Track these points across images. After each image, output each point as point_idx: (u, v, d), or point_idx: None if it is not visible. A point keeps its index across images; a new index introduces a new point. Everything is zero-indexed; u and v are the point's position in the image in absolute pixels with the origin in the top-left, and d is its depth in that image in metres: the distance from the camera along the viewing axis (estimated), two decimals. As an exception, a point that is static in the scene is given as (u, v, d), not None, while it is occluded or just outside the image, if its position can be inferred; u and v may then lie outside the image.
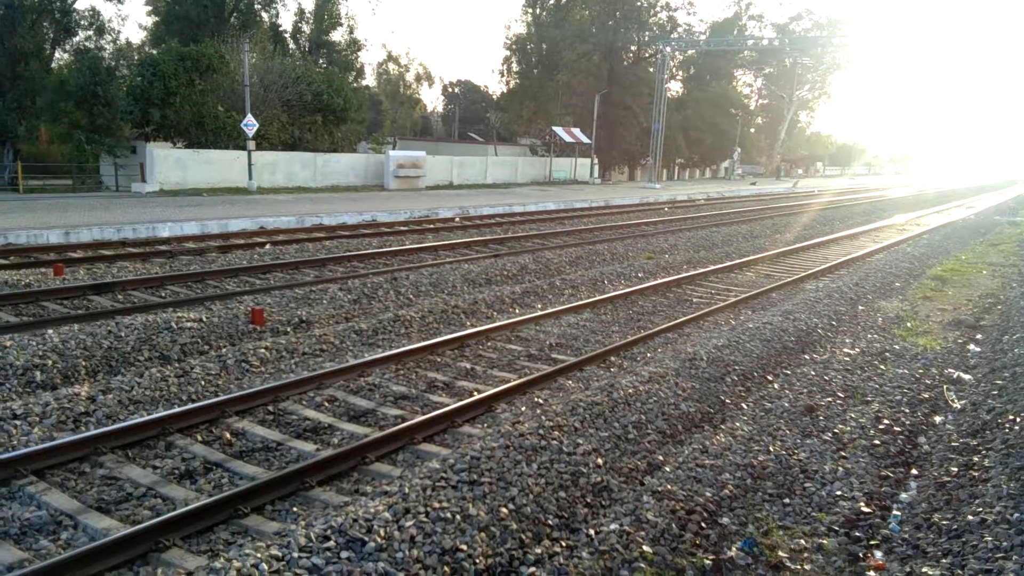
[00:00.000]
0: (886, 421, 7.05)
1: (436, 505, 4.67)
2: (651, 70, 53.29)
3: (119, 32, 55.80)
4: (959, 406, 7.63)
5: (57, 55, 39.57)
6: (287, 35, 46.40)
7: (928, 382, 8.40)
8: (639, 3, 55.24)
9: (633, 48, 57.86)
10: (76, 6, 39.07)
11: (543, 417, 6.15)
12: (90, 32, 39.09)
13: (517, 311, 11.10)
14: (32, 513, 4.85)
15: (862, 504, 5.46)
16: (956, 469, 5.89)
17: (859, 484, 5.76)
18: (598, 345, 9.43)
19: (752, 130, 77.67)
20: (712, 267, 15.44)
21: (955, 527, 4.90)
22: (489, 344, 9.24)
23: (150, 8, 46.42)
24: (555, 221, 23.98)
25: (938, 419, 7.38)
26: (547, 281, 13.13)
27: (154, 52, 34.22)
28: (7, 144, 35.04)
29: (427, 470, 5.13)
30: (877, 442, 6.56)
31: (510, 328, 9.85)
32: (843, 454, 6.30)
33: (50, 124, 35.03)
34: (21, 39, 33.57)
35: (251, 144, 27.63)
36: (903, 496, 5.70)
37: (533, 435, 5.77)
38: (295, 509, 5.10)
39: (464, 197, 30.54)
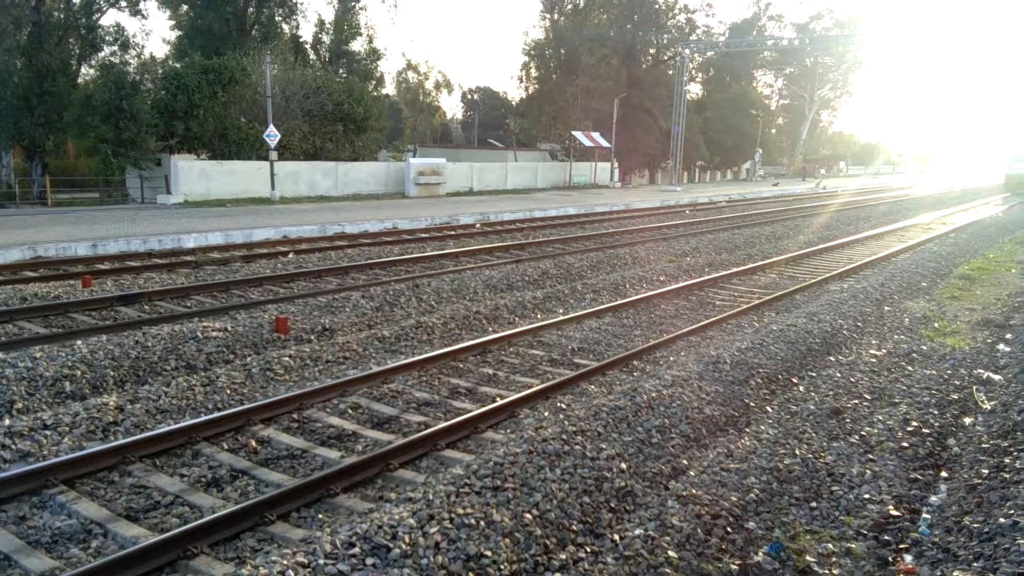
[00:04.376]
0: (914, 423, 6.96)
1: (460, 511, 4.68)
2: (670, 72, 53.09)
3: (143, 47, 56.75)
4: (989, 407, 7.51)
5: (83, 70, 40.18)
6: (307, 46, 46.84)
7: (957, 383, 8.28)
8: (657, 6, 55.14)
9: (652, 51, 57.72)
10: (101, 22, 39.55)
11: (566, 422, 6.15)
12: (115, 47, 39.66)
13: (539, 316, 11.10)
14: (63, 522, 4.93)
15: (891, 507, 5.39)
16: (987, 471, 5.79)
17: (887, 487, 5.69)
18: (620, 349, 9.40)
19: (773, 131, 77.20)
20: (735, 269, 15.34)
21: (986, 530, 4.82)
22: (511, 350, 9.25)
23: (173, 23, 47.13)
24: (576, 226, 23.96)
25: (968, 420, 7.26)
26: (568, 286, 13.12)
27: (178, 66, 34.70)
28: (35, 159, 35.65)
29: (451, 476, 5.14)
30: (905, 444, 6.48)
31: (532, 333, 9.86)
32: (871, 457, 6.22)
33: (77, 138, 35.65)
34: (48, 55, 34.13)
35: (273, 154, 27.92)
36: (933, 499, 5.61)
37: (556, 440, 5.76)
38: (320, 516, 5.13)
39: (484, 203, 30.61)
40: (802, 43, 59.58)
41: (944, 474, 6.08)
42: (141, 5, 40.44)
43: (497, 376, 8.25)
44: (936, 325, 11.09)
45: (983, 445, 6.41)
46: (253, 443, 6.27)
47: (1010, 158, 48.67)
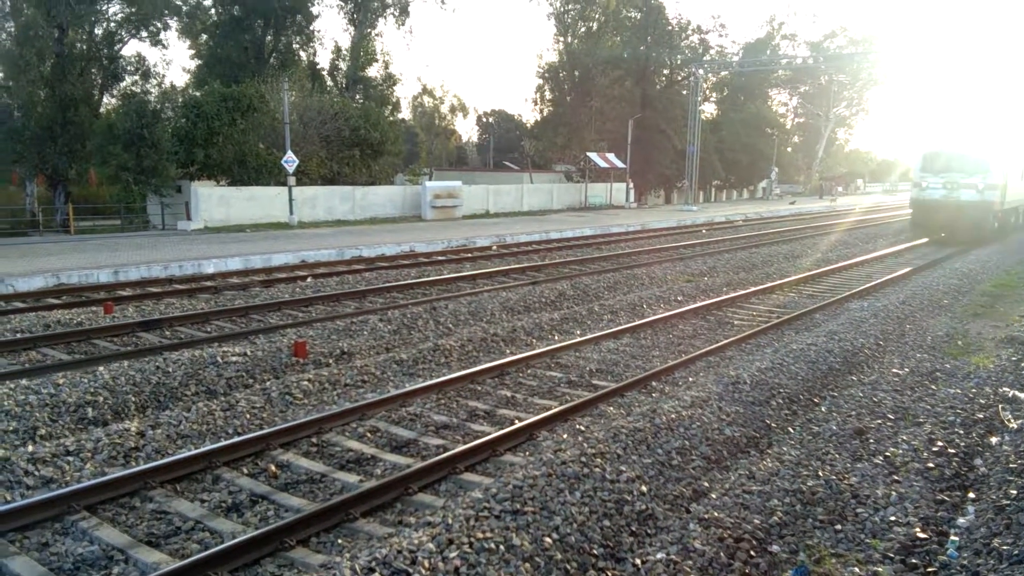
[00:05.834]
0: (940, 443, 6.85)
1: (480, 535, 4.65)
2: (684, 93, 53.20)
3: (164, 76, 57.83)
4: (1015, 426, 7.38)
5: (105, 100, 41.02)
6: (325, 73, 47.47)
7: (982, 402, 8.14)
8: (670, 27, 55.38)
9: (665, 72, 57.90)
10: (123, 53, 40.46)
11: (585, 444, 6.11)
12: (136, 77, 40.53)
13: (556, 338, 11.08)
14: (85, 548, 4.95)
15: (917, 530, 5.29)
16: (1015, 492, 5.67)
17: (914, 509, 5.59)
18: (639, 370, 9.35)
19: (789, 149, 77.05)
20: (753, 288, 15.25)
21: (1016, 552, 4.72)
22: (529, 371, 9.23)
23: (193, 52, 48.08)
24: (592, 246, 23.96)
25: (994, 440, 7.14)
26: (585, 307, 13.09)
27: (197, 94, 35.27)
28: (59, 187, 36.28)
29: (470, 500, 5.12)
30: (931, 465, 6.37)
31: (550, 355, 9.83)
32: (896, 478, 6.12)
33: (99, 167, 36.25)
34: (71, 86, 34.86)
35: (291, 180, 28.22)
36: (960, 521, 5.51)
37: (575, 463, 5.72)
38: (340, 541, 5.12)
39: (500, 225, 30.70)
40: (816, 61, 59.60)
41: (971, 495, 5.96)
42: (162, 35, 41.39)
43: (515, 398, 8.23)
44: (959, 343, 10.95)
45: (1011, 465, 6.29)
46: (273, 468, 6.28)
47: (918, 167, 25.78)
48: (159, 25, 40.90)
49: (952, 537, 5.23)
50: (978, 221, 24.21)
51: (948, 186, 24.43)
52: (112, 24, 39.40)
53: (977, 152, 24.49)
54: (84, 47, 37.85)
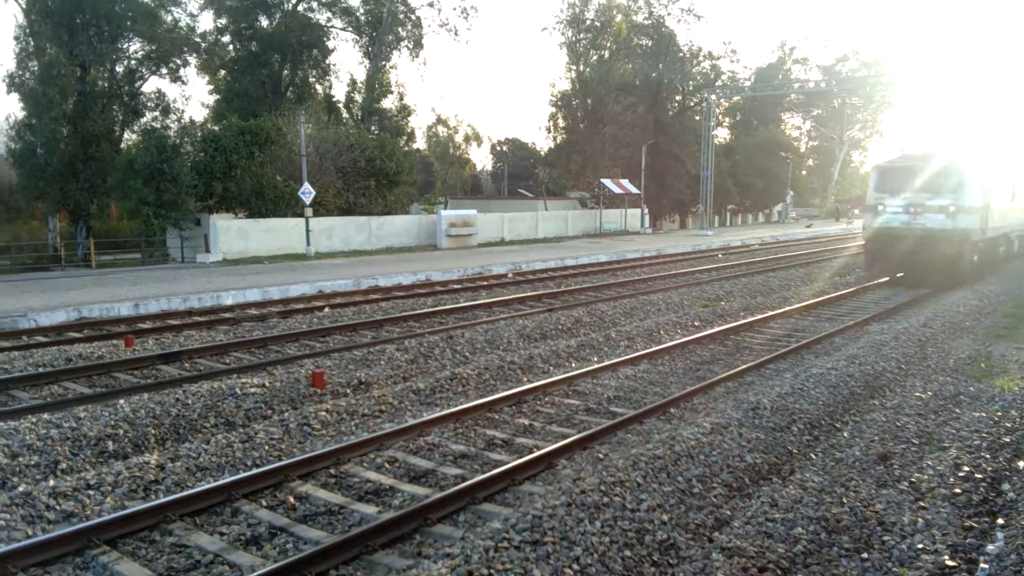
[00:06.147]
0: (966, 468, 6.73)
1: (499, 567, 4.61)
2: (697, 118, 53.42)
3: (183, 111, 58.79)
4: (1044, 450, 7.24)
5: (126, 136, 41.78)
6: (340, 105, 48.09)
7: (1008, 425, 8.01)
8: (681, 54, 55.78)
9: (678, 98, 58.23)
10: (143, 89, 41.39)
11: (604, 473, 6.06)
12: (156, 113, 41.27)
13: (573, 365, 11.04)
14: (105, 582, 4.95)
15: (946, 557, 5.18)
16: (1046, 517, 5.55)
17: (941, 536, 5.48)
18: (657, 397, 9.29)
19: (804, 172, 76.99)
20: (770, 313, 15.15)
21: (1050, 581, 4.61)
22: (547, 399, 9.19)
23: (212, 87, 48.96)
24: (608, 273, 23.94)
25: (1021, 464, 7.00)
26: (602, 333, 13.05)
27: (216, 128, 35.81)
28: (80, 222, 36.86)
29: (489, 531, 5.08)
30: (958, 490, 6.26)
31: (567, 382, 9.79)
32: (922, 504, 6.01)
33: (120, 201, 36.79)
34: (93, 123, 35.58)
35: (308, 211, 28.50)
36: (990, 547, 5.39)
37: (595, 492, 5.67)
38: (359, 574, 5.09)
39: (516, 253, 30.76)
40: (829, 85, 59.66)
41: (1000, 521, 5.84)
42: (181, 72, 42.28)
43: (533, 427, 8.19)
44: (983, 365, 10.79)
45: (1040, 490, 6.16)
46: (291, 499, 6.27)
47: (872, 186, 20.80)
48: (179, 62, 41.85)
49: (982, 564, 5.12)
50: (949, 255, 18.80)
51: (911, 210, 19.10)
52: (133, 62, 40.35)
53: (949, 165, 19.14)
54: (106, 85, 38.68)
